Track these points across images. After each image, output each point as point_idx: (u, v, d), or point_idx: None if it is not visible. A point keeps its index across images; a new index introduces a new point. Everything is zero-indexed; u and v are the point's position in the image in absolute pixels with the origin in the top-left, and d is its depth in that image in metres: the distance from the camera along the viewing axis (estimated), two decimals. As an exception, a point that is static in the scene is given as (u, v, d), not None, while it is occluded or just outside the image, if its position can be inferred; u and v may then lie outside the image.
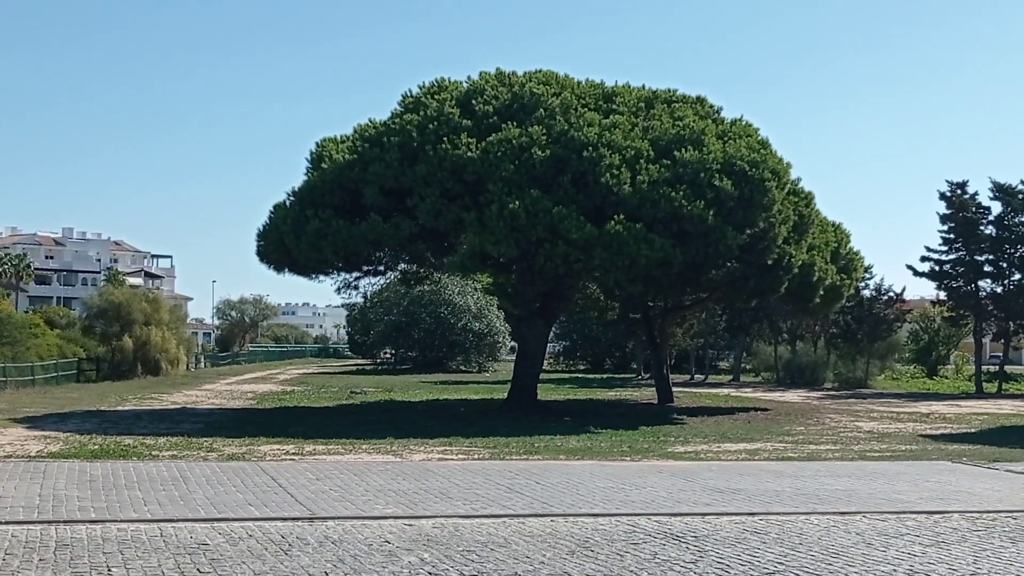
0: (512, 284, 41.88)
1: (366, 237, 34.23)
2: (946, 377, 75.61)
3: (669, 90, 39.13)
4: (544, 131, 33.69)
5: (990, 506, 15.87)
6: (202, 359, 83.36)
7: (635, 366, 79.52)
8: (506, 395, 40.38)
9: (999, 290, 61.50)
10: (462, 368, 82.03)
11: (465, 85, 37.47)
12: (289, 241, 35.52)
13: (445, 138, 33.65)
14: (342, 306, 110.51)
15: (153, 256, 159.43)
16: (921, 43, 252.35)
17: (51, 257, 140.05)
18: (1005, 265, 60.89)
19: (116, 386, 50.31)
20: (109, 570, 10.35)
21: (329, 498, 15.20)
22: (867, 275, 61.87)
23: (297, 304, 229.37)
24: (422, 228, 34.14)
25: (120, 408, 36.34)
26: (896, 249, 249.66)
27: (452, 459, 21.51)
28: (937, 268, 62.03)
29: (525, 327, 40.06)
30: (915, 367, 79.64)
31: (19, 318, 57.45)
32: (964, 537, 13.26)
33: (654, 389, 46.25)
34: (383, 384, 57.64)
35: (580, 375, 78.57)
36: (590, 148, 33.12)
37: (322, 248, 34.77)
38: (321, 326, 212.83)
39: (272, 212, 37.34)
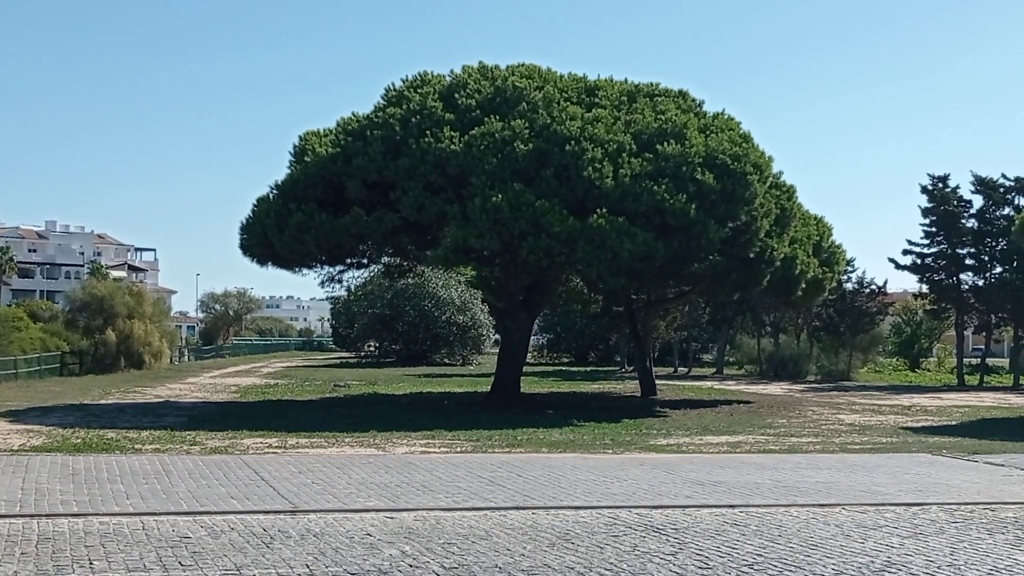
0: (495, 277, 41.91)
1: (349, 230, 34.25)
2: (928, 370, 75.91)
3: (651, 84, 39.20)
4: (527, 125, 33.73)
5: (968, 498, 15.97)
6: (186, 352, 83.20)
7: (618, 359, 79.61)
8: (489, 388, 40.43)
9: (980, 283, 61.83)
10: (446, 361, 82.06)
11: (448, 79, 37.47)
12: (272, 234, 35.50)
13: (428, 131, 33.66)
14: (326, 299, 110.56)
15: (137, 249, 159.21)
16: (903, 37, 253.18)
17: (34, 250, 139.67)
18: (987, 258, 61.21)
19: (99, 380, 50.18)
20: (91, 563, 10.37)
21: (311, 491, 15.24)
22: (849, 268, 62.23)
23: (281, 297, 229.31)
24: (405, 221, 34.15)
25: (103, 402, 36.26)
26: (878, 242, 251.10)
27: (434, 452, 21.55)
28: (919, 261, 62.29)
29: (508, 320, 40.11)
30: (897, 360, 79.96)
31: (2, 311, 57.42)
32: (942, 529, 13.36)
33: (637, 382, 46.35)
34: (367, 377, 57.60)
35: (563, 368, 78.67)
36: (573, 142, 33.16)
37: (305, 241, 34.78)
38: (305, 319, 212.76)
39: (255, 205, 37.27)
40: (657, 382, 45.97)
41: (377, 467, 18.28)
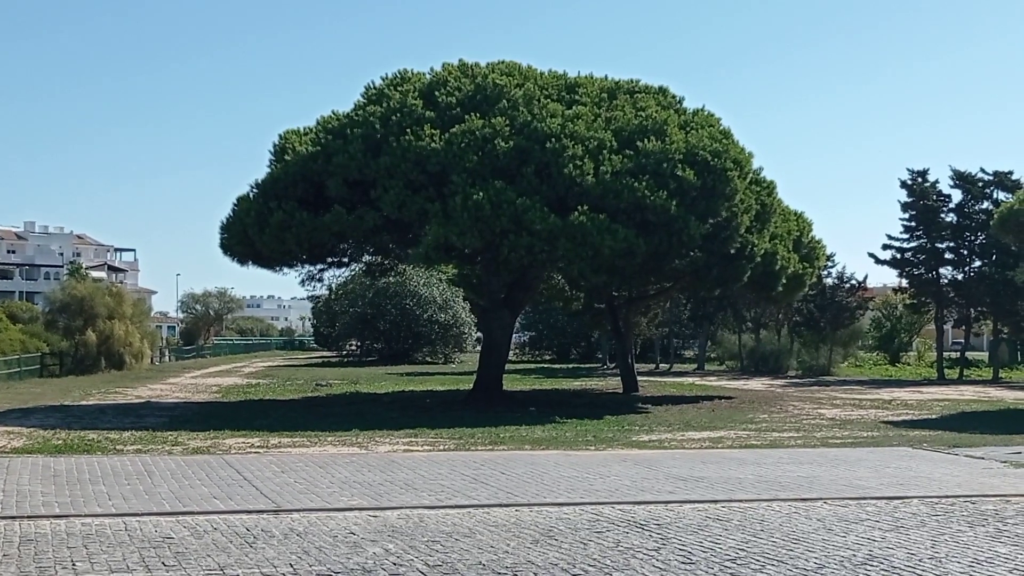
0: (477, 275, 41.93)
1: (330, 229, 34.20)
2: (908, 364, 76.17)
3: (631, 81, 39.25)
4: (507, 122, 33.71)
5: (949, 491, 16.05)
6: (167, 353, 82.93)
7: (600, 356, 79.67)
8: (472, 386, 40.41)
9: (960, 277, 62.00)
10: (428, 359, 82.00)
11: (428, 76, 37.44)
12: (253, 233, 35.42)
13: (408, 129, 33.62)
14: (307, 298, 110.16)
15: (116, 250, 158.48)
16: (881, 31, 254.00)
17: (13, 251, 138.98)
18: (966, 252, 61.40)
19: (80, 381, 50.01)
20: (74, 565, 10.35)
21: (294, 490, 15.23)
22: (829, 263, 62.33)
23: (262, 297, 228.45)
24: (386, 220, 34.12)
25: (84, 403, 36.13)
26: (858, 237, 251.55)
27: (417, 450, 21.55)
28: (898, 256, 62.46)
29: (490, 318, 40.06)
30: (878, 354, 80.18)
31: (-19, 313, 57.05)
32: (923, 522, 13.43)
33: (619, 379, 46.40)
34: (349, 376, 57.51)
35: (546, 365, 78.67)
36: (553, 139, 33.18)
37: (286, 240, 34.72)
38: (286, 319, 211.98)
39: (236, 205, 37.18)
40: (639, 378, 46.04)
41: (360, 466, 18.28)
